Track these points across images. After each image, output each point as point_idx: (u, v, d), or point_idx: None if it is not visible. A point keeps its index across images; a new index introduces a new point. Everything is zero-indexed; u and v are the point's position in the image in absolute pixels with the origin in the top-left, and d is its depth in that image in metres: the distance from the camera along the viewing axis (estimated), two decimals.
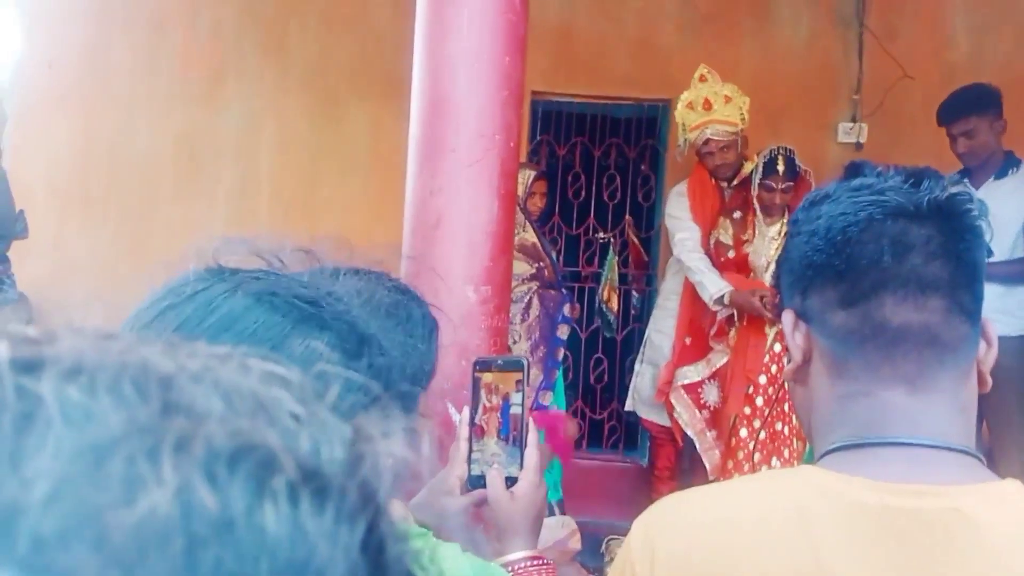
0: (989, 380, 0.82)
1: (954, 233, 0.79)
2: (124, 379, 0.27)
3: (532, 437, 1.09)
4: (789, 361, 0.88)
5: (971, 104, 3.26)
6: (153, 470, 0.25)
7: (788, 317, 0.85)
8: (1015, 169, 3.25)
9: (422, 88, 1.64)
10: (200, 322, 0.65)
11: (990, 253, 0.83)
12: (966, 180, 3.34)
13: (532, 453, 1.08)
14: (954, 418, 0.79)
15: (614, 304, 4.14)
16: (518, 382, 1.16)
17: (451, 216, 1.57)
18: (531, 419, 1.12)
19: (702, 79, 3.57)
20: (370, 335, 0.67)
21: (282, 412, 0.29)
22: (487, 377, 1.15)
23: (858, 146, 4.07)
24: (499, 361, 1.18)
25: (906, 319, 0.78)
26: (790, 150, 3.43)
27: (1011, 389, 3.12)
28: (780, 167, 3.38)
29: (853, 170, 0.85)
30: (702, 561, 0.77)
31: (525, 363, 1.18)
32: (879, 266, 0.78)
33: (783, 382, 3.10)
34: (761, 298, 3.38)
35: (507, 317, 1.62)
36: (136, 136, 4.29)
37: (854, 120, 4.05)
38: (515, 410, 1.13)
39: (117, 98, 4.30)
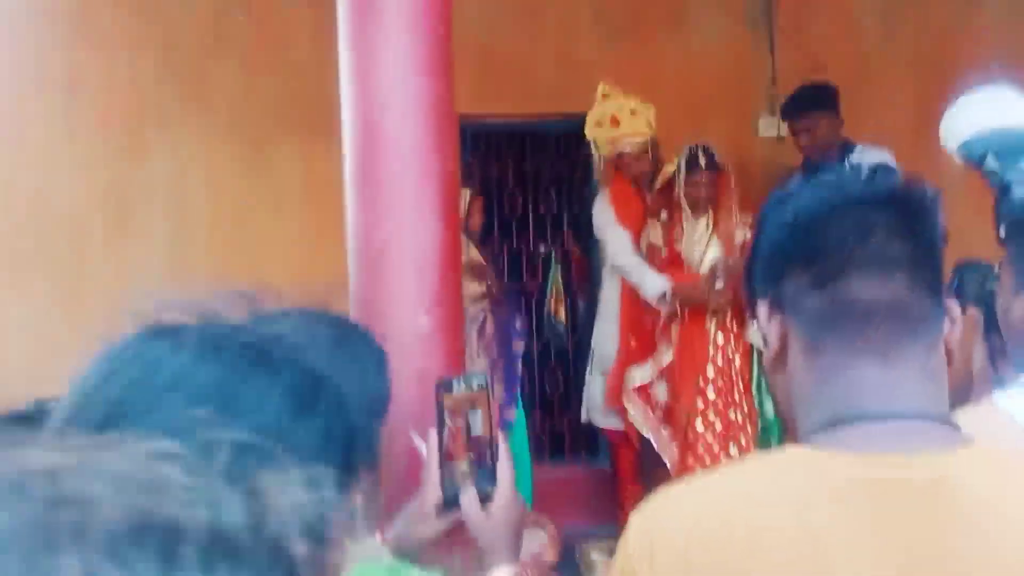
0: (956, 356, 0.88)
1: (911, 216, 0.86)
2: (2, 483, 0.27)
3: (503, 452, 1.10)
4: (766, 349, 0.91)
5: (813, 102, 3.56)
6: (53, 561, 0.25)
7: (763, 308, 0.89)
8: (850, 156, 3.49)
9: (353, 119, 1.66)
10: (147, 384, 0.62)
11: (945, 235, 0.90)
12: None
13: (504, 468, 1.09)
14: (926, 387, 0.84)
15: (562, 315, 4.19)
16: (481, 398, 1.17)
17: (396, 244, 1.58)
18: (500, 434, 1.13)
19: (605, 96, 3.68)
20: (323, 375, 0.67)
21: (174, 486, 0.29)
22: (450, 399, 1.16)
23: (779, 139, 4.19)
24: (460, 380, 1.18)
25: (874, 295, 0.83)
26: (708, 146, 3.56)
27: None
28: (701, 161, 3.50)
29: (813, 170, 0.92)
30: (702, 552, 0.79)
31: (486, 379, 1.19)
32: (845, 248, 0.84)
33: (737, 372, 3.15)
34: (704, 289, 3.47)
35: (462, 339, 1.63)
36: (59, 193, 4.20)
37: (773, 114, 4.18)
38: (482, 427, 1.14)
39: (35, 156, 4.20)
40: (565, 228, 4.36)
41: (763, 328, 0.90)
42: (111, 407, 0.62)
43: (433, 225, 1.59)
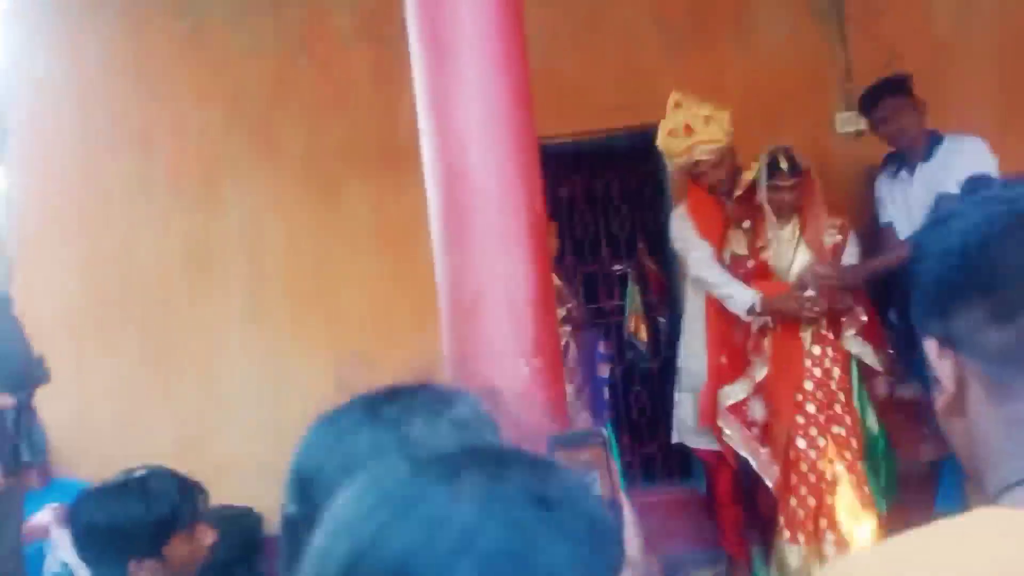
0: None
1: None
2: None
3: (628, 519, 1.01)
4: (939, 392, 0.82)
5: (889, 88, 3.41)
6: None
7: (931, 346, 0.80)
8: (939, 146, 3.33)
9: (435, 162, 1.60)
10: (432, 548, 0.54)
11: None
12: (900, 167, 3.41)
13: (632, 535, 1.00)
14: None
15: (643, 334, 4.08)
16: (599, 456, 1.08)
17: (490, 290, 1.52)
18: (623, 498, 1.04)
19: (677, 105, 3.56)
20: (611, 528, 0.59)
21: None
22: (563, 458, 1.08)
23: (858, 134, 4.02)
24: (575, 437, 1.10)
25: None
26: (789, 148, 3.42)
27: None
28: (783, 165, 3.36)
29: (973, 185, 0.81)
30: None
31: (605, 434, 1.10)
32: None
33: (837, 387, 2.99)
34: (796, 299, 3.32)
35: (563, 386, 1.56)
36: (140, 252, 4.28)
37: (850, 109, 4.01)
38: (600, 490, 1.05)
39: (115, 218, 4.30)
40: (639, 245, 4.25)
41: (934, 368, 0.81)
42: (392, 572, 0.54)
43: (526, 267, 1.53)
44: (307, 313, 4.24)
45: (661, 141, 3.57)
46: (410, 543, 0.55)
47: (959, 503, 3.68)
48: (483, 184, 1.51)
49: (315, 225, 4.27)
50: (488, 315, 1.50)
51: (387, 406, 0.88)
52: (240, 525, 3.86)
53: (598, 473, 1.07)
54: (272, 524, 3.93)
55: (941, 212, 0.84)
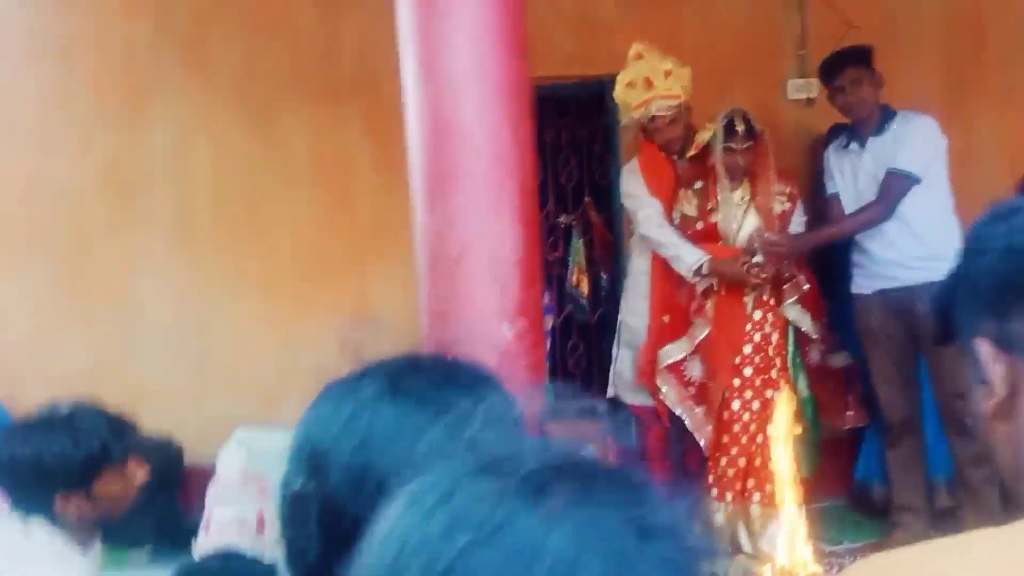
0: None
1: None
2: None
3: None
4: (986, 394, 0.78)
5: (855, 58, 3.39)
6: None
7: (985, 348, 0.76)
8: (891, 122, 3.33)
9: (421, 112, 1.49)
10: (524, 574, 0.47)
11: None
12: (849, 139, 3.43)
13: None
14: None
15: (584, 288, 4.06)
16: (592, 431, 1.03)
17: (474, 249, 1.44)
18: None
19: (639, 56, 3.49)
20: (706, 560, 0.53)
21: None
22: (553, 431, 1.03)
23: (809, 102, 4.04)
24: (572, 409, 1.05)
25: None
26: (745, 111, 3.40)
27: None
28: (739, 127, 3.34)
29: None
30: None
31: (599, 406, 1.06)
32: None
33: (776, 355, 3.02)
34: (743, 264, 3.34)
35: (544, 351, 1.50)
36: (56, 170, 3.99)
37: (803, 76, 4.02)
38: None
39: (29, 133, 3.99)
40: (586, 198, 4.20)
41: (985, 369, 0.77)
42: None
43: (514, 227, 1.45)
44: (237, 245, 4.05)
45: (619, 92, 3.50)
46: (501, 574, 0.48)
47: (877, 470, 3.84)
48: (473, 136, 1.41)
49: (248, 153, 4.06)
50: (471, 274, 1.42)
51: (409, 379, 0.81)
52: (160, 455, 3.74)
53: (595, 448, 1.03)
54: (192, 456, 3.81)
55: (1002, 207, 0.80)
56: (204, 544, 3.32)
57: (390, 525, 0.53)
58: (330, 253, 4.01)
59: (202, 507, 3.46)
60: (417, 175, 1.48)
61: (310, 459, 0.80)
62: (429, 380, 0.81)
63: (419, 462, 0.62)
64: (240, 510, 3.42)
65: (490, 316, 1.40)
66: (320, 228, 4.05)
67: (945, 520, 3.50)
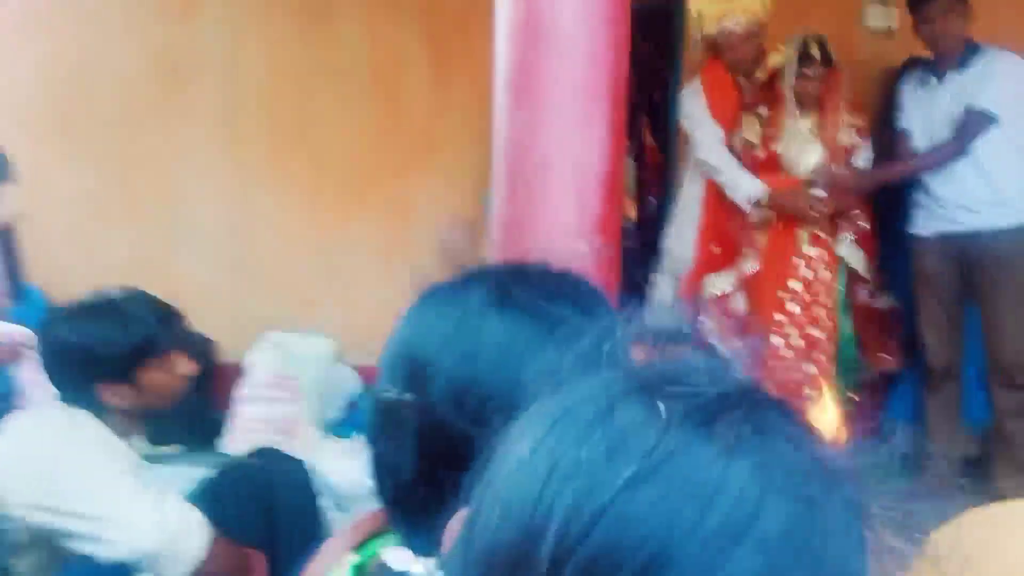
0: None
1: None
2: None
3: None
4: None
5: None
6: None
7: None
8: (976, 57, 3.15)
9: (512, 6, 1.40)
10: (701, 522, 0.41)
11: None
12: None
13: None
14: None
15: (631, 211, 3.97)
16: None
17: (557, 157, 1.36)
18: None
19: None
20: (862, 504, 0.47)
21: None
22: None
23: (888, 32, 3.83)
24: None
25: None
26: (822, 36, 3.24)
27: (1006, 285, 3.11)
28: (816, 54, 3.19)
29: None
30: None
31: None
32: None
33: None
34: (804, 197, 3.23)
35: (619, 272, 1.44)
36: (109, 58, 3.93)
37: (883, 3, 3.80)
38: None
39: (86, 16, 3.91)
40: (641, 117, 4.07)
41: None
42: (645, 550, 0.41)
43: (603, 137, 1.37)
44: (286, 146, 3.99)
45: (697, 1, 3.34)
46: (673, 513, 0.41)
47: (909, 414, 3.79)
48: (566, 38, 1.32)
49: (300, 53, 3.96)
50: (552, 185, 1.35)
51: (518, 289, 0.75)
52: (196, 352, 3.76)
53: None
54: (224, 352, 3.83)
55: None
56: (231, 443, 3.36)
57: (532, 443, 0.46)
58: (377, 162, 3.94)
59: (230, 406, 3.49)
60: (502, 75, 1.39)
61: (409, 368, 0.74)
62: (540, 292, 0.75)
63: (531, 381, 0.56)
64: (269, 411, 3.45)
65: (568, 230, 1.33)
66: (369, 136, 3.97)
67: (973, 469, 3.47)
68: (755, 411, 0.46)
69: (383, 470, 0.77)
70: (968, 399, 3.50)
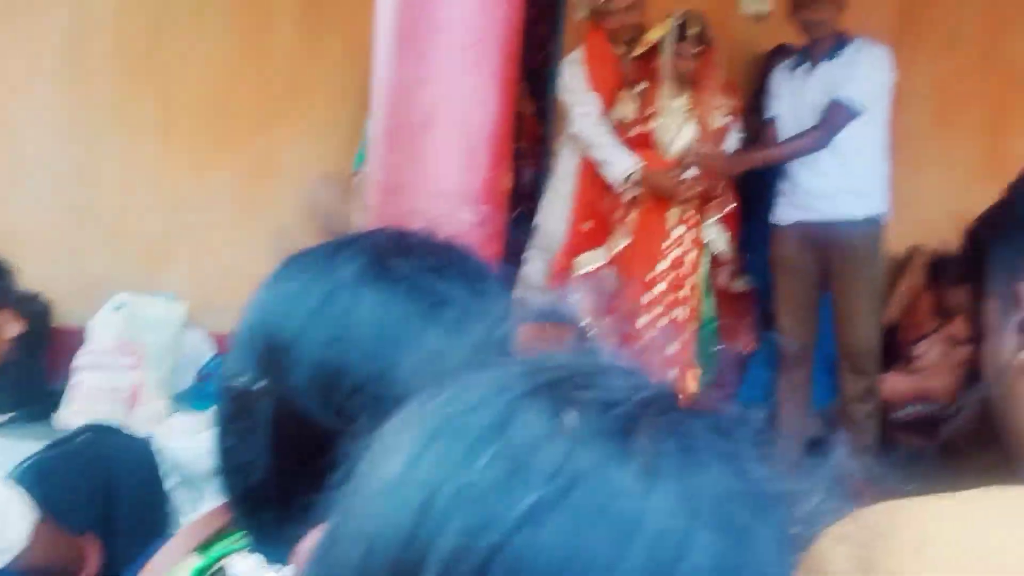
0: None
1: None
2: None
3: None
4: (1016, 342, 0.69)
5: None
6: None
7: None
8: (846, 47, 3.24)
9: None
10: (621, 558, 0.33)
11: None
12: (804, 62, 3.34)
13: None
14: None
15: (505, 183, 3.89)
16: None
17: (445, 113, 1.25)
18: None
19: None
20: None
21: None
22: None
23: (760, 17, 3.90)
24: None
25: None
26: (701, 15, 3.26)
27: (859, 275, 3.26)
28: (693, 31, 3.21)
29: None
30: None
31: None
32: None
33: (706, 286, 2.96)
34: (675, 177, 3.26)
35: (502, 244, 1.35)
36: None
37: None
38: None
39: None
40: (520, 84, 3.97)
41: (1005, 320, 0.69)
42: None
43: (493, 92, 1.26)
44: (134, 82, 3.67)
45: None
46: (583, 550, 0.33)
47: (762, 393, 3.93)
48: None
49: None
50: (437, 144, 1.24)
51: (395, 259, 0.64)
52: (27, 311, 3.43)
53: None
54: (61, 316, 3.52)
55: None
56: (69, 414, 3.11)
57: (407, 460, 0.36)
58: (237, 107, 3.68)
59: (68, 373, 3.21)
60: (385, 19, 1.26)
61: (265, 350, 0.63)
62: (422, 265, 0.64)
63: (410, 371, 0.47)
64: (113, 378, 3.20)
65: (451, 194, 1.23)
66: (227, 79, 3.70)
67: (816, 448, 3.64)
68: (677, 423, 0.38)
69: (231, 467, 0.65)
70: (815, 382, 3.66)
